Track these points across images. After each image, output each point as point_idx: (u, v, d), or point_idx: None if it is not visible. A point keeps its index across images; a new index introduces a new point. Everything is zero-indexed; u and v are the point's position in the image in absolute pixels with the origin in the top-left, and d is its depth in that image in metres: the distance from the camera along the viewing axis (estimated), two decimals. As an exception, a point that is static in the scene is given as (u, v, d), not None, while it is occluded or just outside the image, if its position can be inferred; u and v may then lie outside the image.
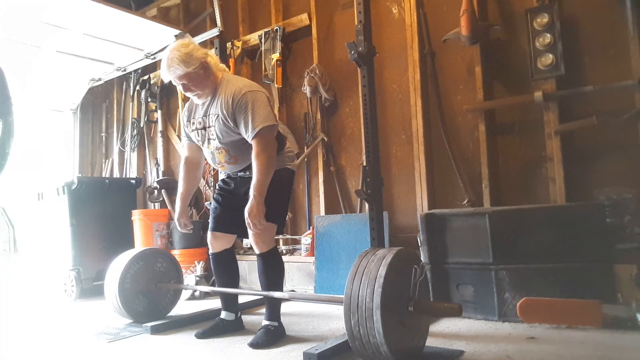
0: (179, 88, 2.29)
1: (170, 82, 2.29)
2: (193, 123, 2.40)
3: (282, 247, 3.80)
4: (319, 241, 3.48)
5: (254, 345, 2.24)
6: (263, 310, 2.52)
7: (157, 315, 2.85)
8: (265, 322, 2.36)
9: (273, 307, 2.40)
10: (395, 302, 1.76)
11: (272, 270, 2.40)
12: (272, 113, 2.25)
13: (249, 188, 2.29)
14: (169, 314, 2.99)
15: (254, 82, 2.42)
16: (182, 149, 2.59)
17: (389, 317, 1.69)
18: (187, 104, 2.50)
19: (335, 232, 3.40)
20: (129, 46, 4.29)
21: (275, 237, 2.77)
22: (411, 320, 1.85)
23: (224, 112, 2.23)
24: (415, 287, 1.85)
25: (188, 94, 2.30)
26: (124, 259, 2.76)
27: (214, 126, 2.28)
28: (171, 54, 2.20)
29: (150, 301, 2.84)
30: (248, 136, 2.20)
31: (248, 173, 2.38)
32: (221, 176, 2.60)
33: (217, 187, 2.59)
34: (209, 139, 2.35)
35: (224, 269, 2.57)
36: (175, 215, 2.58)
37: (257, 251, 2.37)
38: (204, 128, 2.34)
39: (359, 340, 1.73)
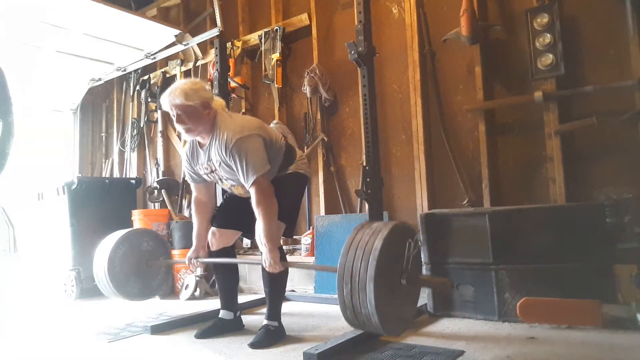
0: (173, 118, 2.23)
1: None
2: (199, 168, 2.38)
3: (283, 247, 3.80)
4: (319, 241, 3.48)
5: (254, 345, 2.24)
6: (263, 310, 2.52)
7: (152, 293, 2.84)
8: (265, 322, 2.36)
9: (274, 307, 2.40)
10: (388, 275, 1.76)
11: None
12: (264, 158, 2.20)
13: None
14: (167, 314, 2.99)
15: (250, 119, 2.41)
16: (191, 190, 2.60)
17: (381, 289, 1.69)
18: (185, 148, 2.46)
19: (335, 232, 3.40)
20: (129, 46, 4.28)
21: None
22: (402, 292, 1.85)
23: (222, 158, 2.22)
24: (408, 261, 1.85)
25: (178, 126, 2.24)
26: (107, 244, 2.69)
27: (219, 170, 2.29)
28: (177, 84, 2.23)
29: (143, 281, 2.78)
30: (245, 185, 2.20)
31: None
32: None
33: (223, 189, 2.59)
34: (221, 179, 2.37)
35: (223, 267, 2.57)
36: (188, 253, 2.52)
37: (262, 250, 2.37)
38: (212, 171, 2.34)
39: (351, 309, 1.74)
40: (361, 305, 1.69)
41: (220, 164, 2.26)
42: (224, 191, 2.62)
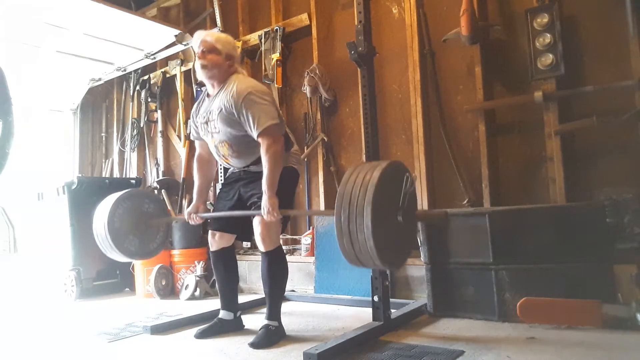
0: (198, 54, 2.34)
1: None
2: (199, 118, 2.44)
3: (283, 247, 3.80)
4: (319, 241, 3.48)
5: (255, 345, 2.24)
6: (263, 310, 2.52)
7: (150, 254, 2.82)
8: (265, 322, 2.36)
9: (274, 307, 2.40)
10: (385, 208, 1.76)
11: (277, 271, 2.40)
12: (279, 112, 2.30)
13: (251, 189, 2.31)
14: (167, 314, 2.99)
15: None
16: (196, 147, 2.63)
17: (378, 216, 1.69)
18: (196, 103, 2.54)
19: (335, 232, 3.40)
20: (129, 46, 4.28)
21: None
22: (399, 231, 1.85)
23: (227, 105, 2.26)
24: (405, 196, 1.85)
25: (198, 62, 2.33)
26: (109, 200, 2.69)
27: (216, 119, 2.31)
28: (215, 30, 2.41)
29: (142, 241, 2.74)
30: (254, 134, 2.23)
31: (252, 168, 2.41)
32: (225, 176, 2.62)
33: (219, 189, 2.60)
34: (212, 133, 2.38)
35: (223, 267, 2.57)
36: (189, 208, 2.57)
37: (262, 249, 2.37)
38: (207, 122, 2.37)
39: (347, 236, 1.73)
40: (358, 231, 1.68)
41: (220, 111, 2.29)
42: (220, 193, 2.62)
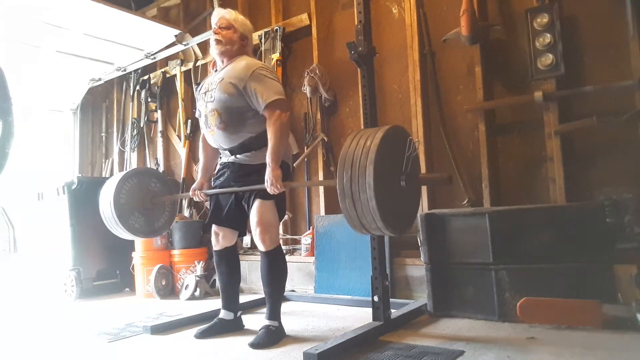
0: (214, 28, 2.41)
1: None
2: (202, 90, 2.47)
3: (283, 247, 3.80)
4: (319, 241, 3.48)
5: (255, 345, 2.24)
6: (263, 310, 2.52)
7: (153, 233, 2.83)
8: (265, 322, 2.36)
9: (274, 307, 2.40)
10: (388, 171, 1.75)
11: (276, 271, 2.40)
12: (283, 90, 2.35)
13: (245, 180, 2.33)
14: (167, 314, 2.99)
15: None
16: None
17: (380, 176, 1.67)
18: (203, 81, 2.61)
19: (335, 232, 3.40)
20: (129, 46, 4.28)
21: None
22: (402, 194, 1.83)
23: (231, 75, 2.30)
24: (408, 160, 1.84)
25: (214, 36, 2.40)
26: (116, 177, 2.70)
27: (215, 89, 2.34)
28: (234, 11, 2.46)
29: (147, 219, 2.75)
30: (261, 105, 2.26)
31: (237, 158, 2.40)
32: (217, 168, 2.61)
33: (213, 183, 2.58)
34: (207, 102, 2.40)
35: (226, 267, 2.57)
36: (193, 185, 2.59)
37: (262, 249, 2.37)
38: (206, 92, 2.41)
39: (350, 197, 1.71)
40: (360, 191, 1.67)
41: (221, 81, 2.32)
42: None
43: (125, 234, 2.68)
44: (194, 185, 2.59)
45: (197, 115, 2.60)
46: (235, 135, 2.35)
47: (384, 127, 1.79)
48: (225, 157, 2.47)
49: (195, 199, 2.57)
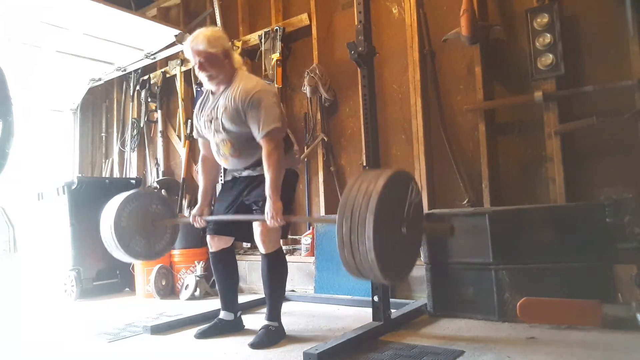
0: (195, 66, 2.30)
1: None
2: (202, 116, 2.41)
3: (283, 247, 3.80)
4: (319, 241, 3.48)
5: (255, 345, 2.24)
6: (263, 310, 2.52)
7: (156, 255, 2.79)
8: (265, 322, 2.36)
9: (274, 307, 2.40)
10: (389, 218, 1.72)
11: (276, 272, 2.40)
12: (283, 114, 2.28)
13: (251, 190, 2.31)
14: (167, 314, 2.99)
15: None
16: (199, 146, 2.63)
17: (381, 226, 1.65)
18: (199, 101, 2.51)
19: (335, 232, 3.39)
20: (129, 46, 4.28)
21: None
22: (403, 243, 1.81)
23: (232, 104, 2.24)
24: (410, 207, 1.80)
25: (201, 74, 2.30)
26: (117, 200, 2.67)
27: (221, 117, 2.29)
28: (199, 32, 2.26)
29: (148, 242, 2.72)
30: (258, 135, 2.22)
31: (252, 172, 2.39)
32: (225, 178, 2.60)
33: (219, 191, 2.59)
34: (215, 130, 2.35)
35: (223, 268, 2.57)
36: (193, 210, 2.55)
37: (262, 251, 2.37)
38: (211, 120, 2.35)
39: (348, 247, 1.70)
40: (359, 242, 1.65)
41: (225, 109, 2.26)
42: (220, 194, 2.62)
43: (125, 258, 2.68)
44: (194, 211, 2.53)
45: (195, 136, 2.58)
46: (250, 157, 2.35)
47: (386, 173, 1.75)
48: (237, 173, 2.46)
49: (196, 225, 2.53)
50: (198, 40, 2.24)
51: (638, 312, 2.09)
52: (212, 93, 2.39)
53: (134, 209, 2.66)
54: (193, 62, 2.30)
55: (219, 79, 2.30)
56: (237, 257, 2.86)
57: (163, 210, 2.81)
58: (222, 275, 2.58)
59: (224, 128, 2.30)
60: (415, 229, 1.82)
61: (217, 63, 2.26)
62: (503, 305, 2.45)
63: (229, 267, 2.58)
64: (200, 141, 2.56)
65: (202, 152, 2.58)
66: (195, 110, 2.50)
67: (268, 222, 2.18)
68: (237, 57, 2.37)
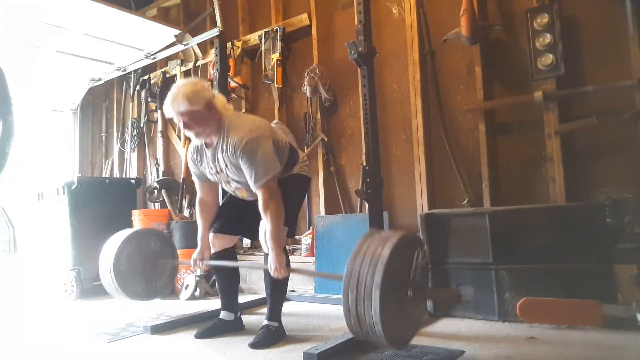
0: (180, 125, 2.22)
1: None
2: (205, 167, 2.37)
3: (287, 249, 3.79)
4: (319, 241, 3.48)
5: (255, 345, 2.24)
6: (263, 310, 2.52)
7: (155, 294, 2.82)
8: (266, 322, 2.36)
9: (275, 308, 2.40)
10: (395, 284, 1.74)
11: None
12: (275, 159, 2.19)
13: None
14: (167, 314, 2.99)
15: (256, 120, 2.31)
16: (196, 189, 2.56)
17: (387, 298, 1.67)
18: (190, 148, 2.43)
19: (335, 232, 3.40)
20: (129, 46, 4.28)
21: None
22: (408, 305, 1.83)
23: (229, 159, 2.21)
24: (416, 271, 1.83)
25: (187, 132, 2.23)
26: (116, 241, 2.69)
27: (226, 171, 2.27)
28: (177, 90, 2.15)
29: (147, 281, 2.76)
30: (252, 187, 2.18)
31: None
32: None
33: (223, 190, 2.58)
34: (226, 182, 2.36)
35: (224, 268, 2.57)
36: (193, 255, 2.51)
37: (267, 251, 2.36)
38: (218, 172, 2.32)
39: (355, 318, 1.72)
40: (365, 313, 1.67)
41: (227, 165, 2.25)
42: (224, 191, 2.61)
43: (126, 299, 2.72)
44: (194, 255, 2.49)
45: (192, 177, 2.52)
46: None
47: (392, 239, 1.75)
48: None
49: (197, 269, 2.51)
50: (178, 100, 2.14)
51: (638, 312, 2.09)
52: (207, 145, 2.30)
53: (133, 250, 2.71)
54: (176, 121, 2.22)
55: (206, 134, 2.22)
56: (238, 257, 2.86)
57: (162, 247, 2.87)
58: (223, 275, 2.58)
59: (233, 180, 2.30)
60: (421, 291, 1.85)
61: (202, 119, 2.16)
62: (503, 305, 2.45)
63: (230, 267, 2.58)
64: (198, 184, 2.49)
65: (199, 194, 2.50)
66: (191, 156, 2.41)
67: (272, 273, 2.20)
68: (219, 101, 2.25)
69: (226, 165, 2.25)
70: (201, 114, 2.15)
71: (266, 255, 2.38)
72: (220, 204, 2.61)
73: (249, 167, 2.15)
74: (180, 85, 2.20)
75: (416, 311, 1.92)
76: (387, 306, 1.67)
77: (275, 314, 2.39)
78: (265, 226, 2.20)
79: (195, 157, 2.39)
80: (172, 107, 2.16)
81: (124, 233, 2.72)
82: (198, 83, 2.22)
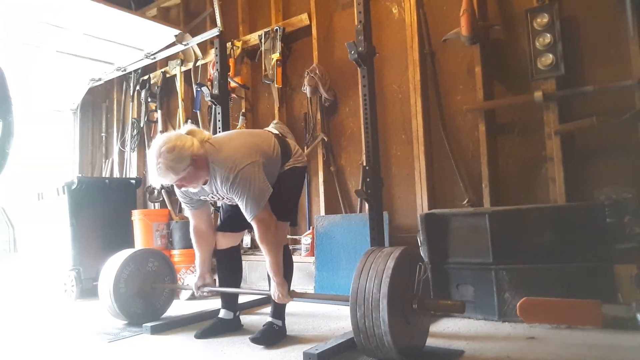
0: (176, 186, 2.22)
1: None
2: (206, 197, 2.35)
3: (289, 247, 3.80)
4: (319, 241, 3.48)
5: (255, 340, 2.25)
6: (263, 310, 2.52)
7: (155, 314, 2.86)
8: (270, 319, 2.37)
9: (280, 306, 2.40)
10: (400, 298, 1.78)
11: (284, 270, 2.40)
12: (264, 187, 2.14)
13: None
14: (167, 314, 2.99)
15: (239, 147, 2.23)
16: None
17: (394, 309, 1.71)
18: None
19: (335, 232, 3.40)
20: (129, 46, 4.28)
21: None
22: (414, 318, 1.87)
23: (226, 194, 2.20)
24: (419, 285, 1.86)
25: (183, 189, 2.25)
26: (114, 263, 2.74)
27: (227, 199, 2.28)
28: (158, 162, 2.04)
29: (147, 302, 2.84)
30: (247, 217, 2.17)
31: None
32: None
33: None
34: (231, 205, 2.39)
35: (227, 266, 2.58)
36: (195, 280, 2.53)
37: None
38: (222, 199, 2.33)
39: (364, 332, 1.75)
40: (374, 325, 1.70)
41: (224, 197, 2.28)
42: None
43: (125, 321, 2.79)
44: (196, 282, 2.51)
45: (183, 207, 2.51)
46: None
47: (395, 253, 1.79)
48: None
49: (198, 295, 2.54)
50: (164, 174, 2.06)
51: (638, 312, 2.09)
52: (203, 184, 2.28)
53: (132, 273, 2.78)
54: (174, 185, 2.21)
55: (201, 181, 2.19)
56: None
57: (161, 267, 2.93)
58: (227, 274, 2.59)
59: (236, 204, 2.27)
60: (425, 303, 1.89)
61: (191, 175, 2.11)
62: (503, 305, 2.45)
63: (234, 265, 2.61)
64: (190, 212, 2.45)
65: (192, 222, 2.47)
66: (181, 195, 2.38)
67: (276, 301, 2.25)
68: (197, 143, 2.12)
69: (223, 198, 2.29)
70: (190, 172, 2.09)
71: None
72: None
73: (240, 201, 2.15)
74: (157, 153, 2.05)
75: (421, 324, 1.95)
76: (395, 316, 1.71)
77: (279, 313, 2.40)
78: (265, 257, 2.21)
79: (186, 190, 2.32)
80: (163, 180, 2.12)
81: (122, 256, 2.78)
82: (174, 145, 2.05)
